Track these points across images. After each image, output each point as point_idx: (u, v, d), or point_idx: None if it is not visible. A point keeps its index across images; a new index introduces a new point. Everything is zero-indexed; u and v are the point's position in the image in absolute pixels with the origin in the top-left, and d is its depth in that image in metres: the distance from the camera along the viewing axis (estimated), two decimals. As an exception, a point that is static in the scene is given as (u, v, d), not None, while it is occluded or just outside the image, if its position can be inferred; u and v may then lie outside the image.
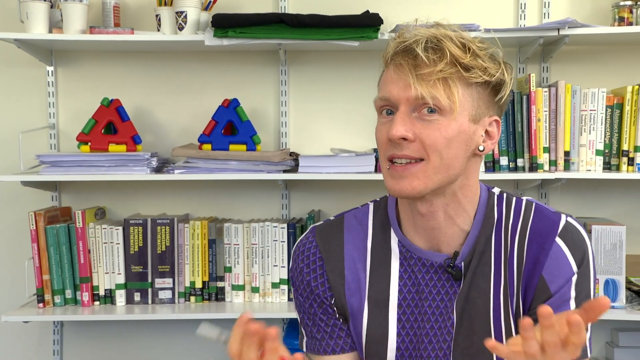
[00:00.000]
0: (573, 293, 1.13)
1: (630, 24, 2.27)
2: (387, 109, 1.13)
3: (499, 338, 1.14)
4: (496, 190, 1.23)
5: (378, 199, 1.28)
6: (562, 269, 1.13)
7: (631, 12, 2.27)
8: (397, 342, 1.19)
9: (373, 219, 1.25)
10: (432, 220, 1.16)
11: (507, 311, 1.15)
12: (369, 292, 1.21)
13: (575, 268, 1.13)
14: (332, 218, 1.28)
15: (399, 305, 1.19)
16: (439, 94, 1.07)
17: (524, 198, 1.21)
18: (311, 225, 1.30)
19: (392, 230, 1.22)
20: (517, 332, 1.14)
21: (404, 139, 1.09)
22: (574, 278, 1.13)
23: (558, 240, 1.14)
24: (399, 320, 1.19)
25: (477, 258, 1.16)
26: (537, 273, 1.13)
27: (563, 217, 1.16)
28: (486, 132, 1.15)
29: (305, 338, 1.28)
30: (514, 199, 1.20)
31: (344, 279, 1.22)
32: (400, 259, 1.20)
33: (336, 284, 1.22)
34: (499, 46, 1.16)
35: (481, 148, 1.14)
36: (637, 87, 2.23)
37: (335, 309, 1.23)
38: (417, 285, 1.19)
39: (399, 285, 1.19)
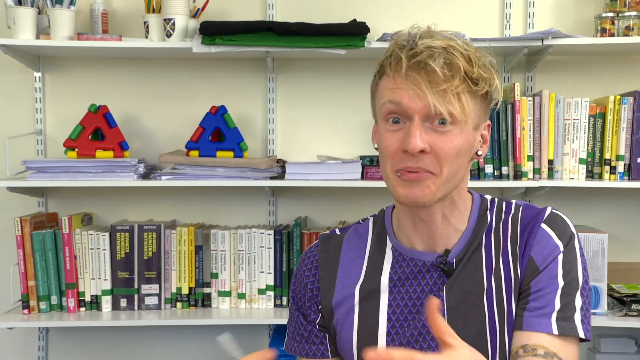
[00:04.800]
0: (561, 270, 1.17)
1: (612, 35, 2.30)
2: (395, 117, 1.14)
3: (492, 324, 1.18)
4: (488, 197, 1.29)
5: (377, 213, 1.33)
6: (549, 248, 1.18)
7: (613, 23, 2.31)
8: (387, 341, 1.22)
9: (372, 231, 1.30)
10: (431, 222, 1.21)
11: (501, 297, 1.19)
12: (360, 294, 1.25)
13: (561, 247, 1.18)
14: (338, 231, 1.34)
15: (389, 305, 1.23)
16: (454, 108, 1.10)
17: (514, 201, 1.27)
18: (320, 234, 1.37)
19: (387, 238, 1.27)
20: (509, 315, 1.18)
21: (421, 151, 1.11)
22: (560, 256, 1.18)
23: (543, 225, 1.20)
24: (389, 320, 1.23)
25: (469, 255, 1.21)
26: (527, 254, 1.19)
27: (549, 208, 1.23)
28: (481, 136, 1.20)
29: (286, 337, 1.35)
30: (504, 202, 1.27)
31: (334, 285, 1.27)
32: (392, 262, 1.25)
33: (326, 285, 1.28)
34: (492, 54, 1.19)
35: (479, 153, 1.20)
36: (619, 97, 2.27)
37: (319, 315, 1.29)
38: (408, 284, 1.23)
39: (389, 286, 1.23)
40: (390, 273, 1.24)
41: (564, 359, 1.14)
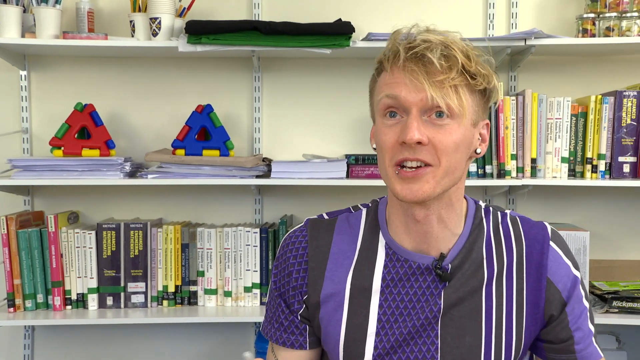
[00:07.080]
0: (582, 292, 1.23)
1: (593, 35, 2.34)
2: (392, 111, 1.13)
3: (488, 337, 1.19)
4: (482, 204, 1.28)
5: (370, 204, 1.31)
6: (563, 270, 1.22)
7: (594, 24, 2.34)
8: (375, 341, 1.21)
9: (364, 223, 1.27)
10: (427, 225, 1.19)
11: (500, 313, 1.20)
12: (350, 291, 1.23)
13: (573, 269, 1.23)
14: (325, 216, 1.31)
15: (380, 306, 1.22)
16: (451, 100, 1.10)
17: (507, 211, 1.28)
18: (306, 218, 1.32)
19: (380, 232, 1.25)
20: (507, 331, 1.20)
21: (419, 142, 1.10)
22: (579, 280, 1.23)
23: (552, 244, 1.22)
24: (379, 320, 1.21)
25: (468, 263, 1.21)
26: (544, 276, 1.20)
27: (545, 223, 1.25)
28: (480, 134, 1.20)
29: (264, 320, 1.33)
30: (499, 212, 1.27)
31: (323, 277, 1.24)
32: (385, 260, 1.23)
33: (314, 277, 1.25)
34: (490, 54, 1.20)
35: (478, 151, 1.20)
36: (600, 96, 2.30)
37: (303, 306, 1.26)
38: (400, 285, 1.21)
39: (382, 286, 1.22)
40: (383, 272, 1.22)
41: None
